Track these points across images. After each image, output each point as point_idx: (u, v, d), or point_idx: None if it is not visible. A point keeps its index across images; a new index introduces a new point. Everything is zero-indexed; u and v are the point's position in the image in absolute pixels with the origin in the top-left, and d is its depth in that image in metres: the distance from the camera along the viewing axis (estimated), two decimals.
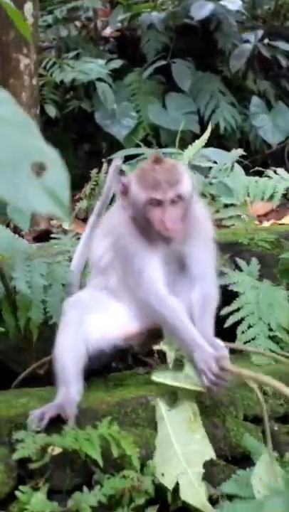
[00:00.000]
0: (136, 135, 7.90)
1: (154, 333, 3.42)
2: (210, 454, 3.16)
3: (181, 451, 3.13)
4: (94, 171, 5.14)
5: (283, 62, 8.56)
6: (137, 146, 5.93)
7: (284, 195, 6.09)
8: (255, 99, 8.46)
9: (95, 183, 5.03)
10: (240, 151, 4.67)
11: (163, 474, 3.06)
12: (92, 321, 3.31)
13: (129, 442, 3.00)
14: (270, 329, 3.86)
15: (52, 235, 4.36)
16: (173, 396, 3.29)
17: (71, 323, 3.30)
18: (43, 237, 4.91)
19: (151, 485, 3.01)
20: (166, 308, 3.24)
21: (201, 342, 3.17)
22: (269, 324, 3.85)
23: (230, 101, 8.38)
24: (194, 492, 3.07)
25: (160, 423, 3.20)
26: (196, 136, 5.99)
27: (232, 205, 4.18)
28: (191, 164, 4.79)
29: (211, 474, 3.22)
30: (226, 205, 4.18)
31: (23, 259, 3.80)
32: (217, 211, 4.20)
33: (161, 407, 3.22)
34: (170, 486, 3.03)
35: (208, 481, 3.16)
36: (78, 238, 4.08)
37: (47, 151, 1.40)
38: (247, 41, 8.49)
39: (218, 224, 4.58)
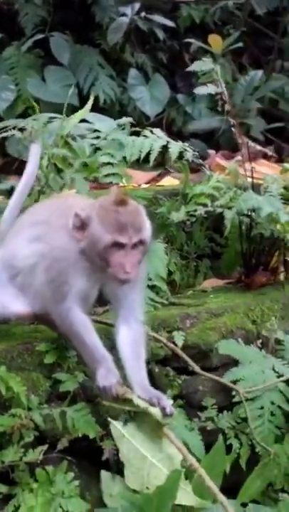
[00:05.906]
0: (15, 108, 7.93)
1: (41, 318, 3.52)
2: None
3: (157, 459, 3.18)
4: None
5: (160, 35, 8.74)
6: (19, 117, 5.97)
7: (162, 164, 6.32)
8: (132, 72, 8.61)
9: None
10: (129, 119, 4.78)
11: (148, 488, 3.10)
12: None
13: (16, 381, 3.14)
14: (150, 279, 4.07)
15: None
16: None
17: None
18: None
19: (40, 417, 3.17)
20: (79, 325, 3.26)
21: (106, 360, 3.22)
22: (148, 274, 4.05)
23: (109, 74, 8.50)
24: (184, 493, 3.12)
25: (120, 440, 3.24)
26: (76, 109, 6.08)
27: (109, 164, 4.34)
28: (72, 134, 4.89)
29: None
30: (104, 164, 4.33)
31: None
32: (94, 170, 4.34)
33: (117, 425, 3.26)
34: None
35: None
36: None
37: None
38: (124, 14, 8.62)
39: (96, 184, 4.74)
